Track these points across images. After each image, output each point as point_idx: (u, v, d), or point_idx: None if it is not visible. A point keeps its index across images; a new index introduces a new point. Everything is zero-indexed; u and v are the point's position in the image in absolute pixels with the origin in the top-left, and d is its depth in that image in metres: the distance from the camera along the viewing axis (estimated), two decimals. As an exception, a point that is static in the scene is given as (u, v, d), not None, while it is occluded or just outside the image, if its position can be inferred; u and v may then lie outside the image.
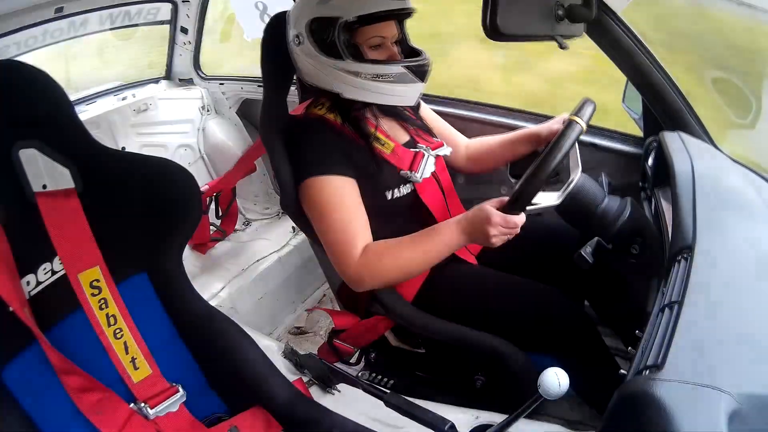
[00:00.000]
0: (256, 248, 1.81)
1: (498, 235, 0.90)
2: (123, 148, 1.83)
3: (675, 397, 0.51)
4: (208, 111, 2.05)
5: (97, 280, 0.81)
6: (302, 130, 1.02)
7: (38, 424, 0.72)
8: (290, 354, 1.05)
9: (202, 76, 2.05)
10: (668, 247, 0.85)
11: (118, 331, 0.82)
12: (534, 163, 0.89)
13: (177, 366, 0.88)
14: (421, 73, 0.99)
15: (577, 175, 0.99)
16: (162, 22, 1.91)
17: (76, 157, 0.81)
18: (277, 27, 1.04)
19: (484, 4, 0.69)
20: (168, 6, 1.87)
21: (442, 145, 1.14)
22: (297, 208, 1.02)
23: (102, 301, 0.81)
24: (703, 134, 1.19)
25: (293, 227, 1.90)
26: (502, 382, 1.05)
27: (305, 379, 1.00)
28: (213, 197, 1.79)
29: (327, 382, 1.00)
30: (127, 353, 0.82)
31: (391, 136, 1.07)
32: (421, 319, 1.06)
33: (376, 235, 0.99)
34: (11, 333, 0.72)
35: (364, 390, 0.93)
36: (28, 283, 0.76)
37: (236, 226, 1.93)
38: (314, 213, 1.00)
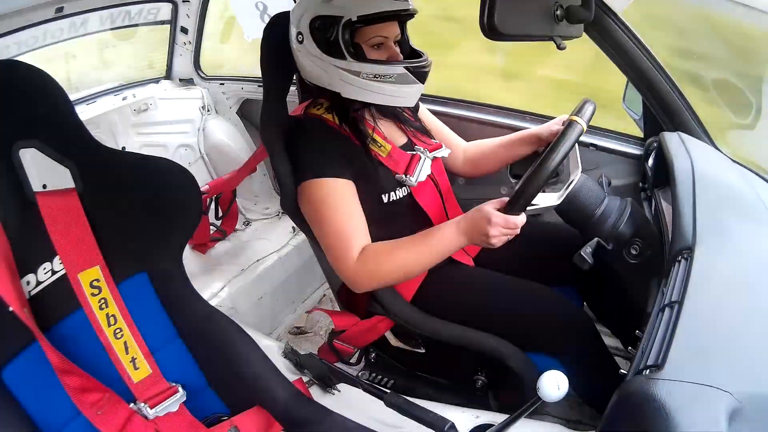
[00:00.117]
0: (256, 248, 1.81)
1: (498, 236, 0.89)
2: (123, 147, 1.83)
3: (675, 397, 0.51)
4: (208, 111, 2.05)
5: (97, 280, 0.81)
6: (301, 130, 1.02)
7: (38, 424, 0.72)
8: (290, 354, 1.05)
9: (203, 76, 2.05)
10: (668, 247, 0.85)
11: (118, 331, 0.82)
12: (534, 163, 0.89)
13: (177, 366, 0.88)
14: (421, 74, 0.99)
15: (577, 176, 1.00)
16: (162, 22, 1.91)
17: (76, 157, 0.81)
18: (277, 27, 1.03)
19: (482, 2, 0.68)
20: (168, 6, 1.87)
21: (441, 146, 1.14)
22: (297, 208, 1.02)
23: (102, 300, 0.81)
24: (703, 135, 1.19)
25: (293, 227, 1.90)
26: (502, 382, 1.05)
27: (305, 379, 1.00)
28: (213, 198, 1.79)
29: (327, 382, 1.00)
30: (127, 353, 0.82)
31: (389, 138, 1.07)
32: (420, 319, 1.06)
33: (373, 238, 0.99)
34: (11, 333, 0.72)
35: (364, 390, 0.93)
36: (28, 282, 0.76)
37: (236, 226, 1.93)
38: (312, 215, 1.00)
